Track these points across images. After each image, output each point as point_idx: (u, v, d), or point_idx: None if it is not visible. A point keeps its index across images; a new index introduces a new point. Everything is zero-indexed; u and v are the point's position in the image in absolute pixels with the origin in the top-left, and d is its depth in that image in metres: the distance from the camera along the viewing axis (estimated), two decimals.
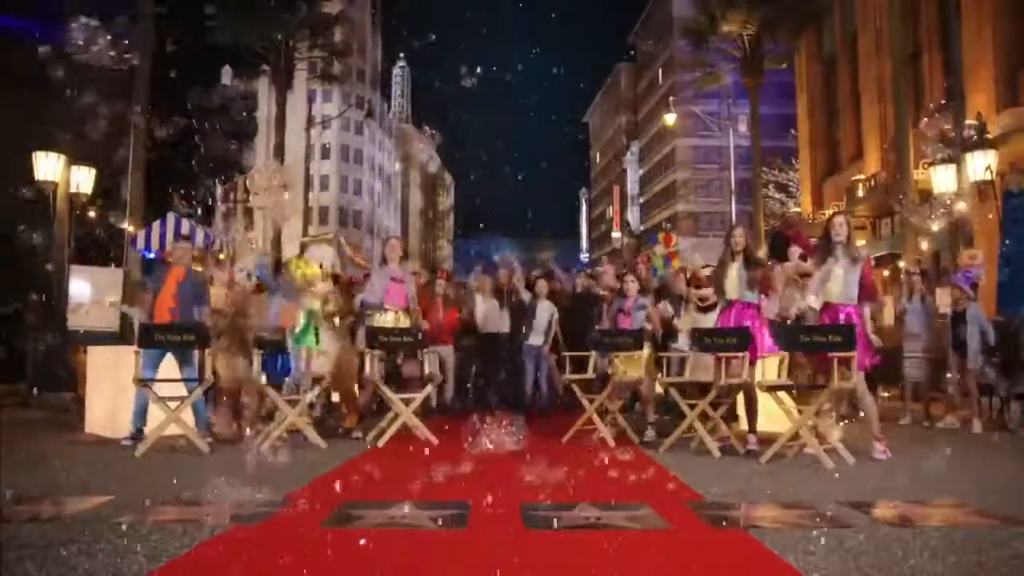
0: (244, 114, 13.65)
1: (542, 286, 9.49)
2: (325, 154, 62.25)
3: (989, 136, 12.44)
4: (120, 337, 12.74)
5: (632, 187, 72.13)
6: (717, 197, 54.41)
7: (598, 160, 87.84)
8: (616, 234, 74.31)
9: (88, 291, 14.72)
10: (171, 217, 10.40)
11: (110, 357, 7.52)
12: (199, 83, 19.64)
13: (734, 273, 6.28)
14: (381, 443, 6.49)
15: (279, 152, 26.52)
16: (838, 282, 5.89)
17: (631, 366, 6.77)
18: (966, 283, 8.18)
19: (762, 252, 11.69)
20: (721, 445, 6.18)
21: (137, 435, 6.38)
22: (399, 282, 7.28)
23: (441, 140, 79.01)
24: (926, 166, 16.27)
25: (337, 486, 4.74)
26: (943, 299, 12.95)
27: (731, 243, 6.36)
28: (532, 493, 4.37)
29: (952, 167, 12.71)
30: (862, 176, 21.25)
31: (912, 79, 18.45)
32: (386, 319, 7.10)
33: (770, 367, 6.16)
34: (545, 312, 9.37)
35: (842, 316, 5.81)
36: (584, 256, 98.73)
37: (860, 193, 20.72)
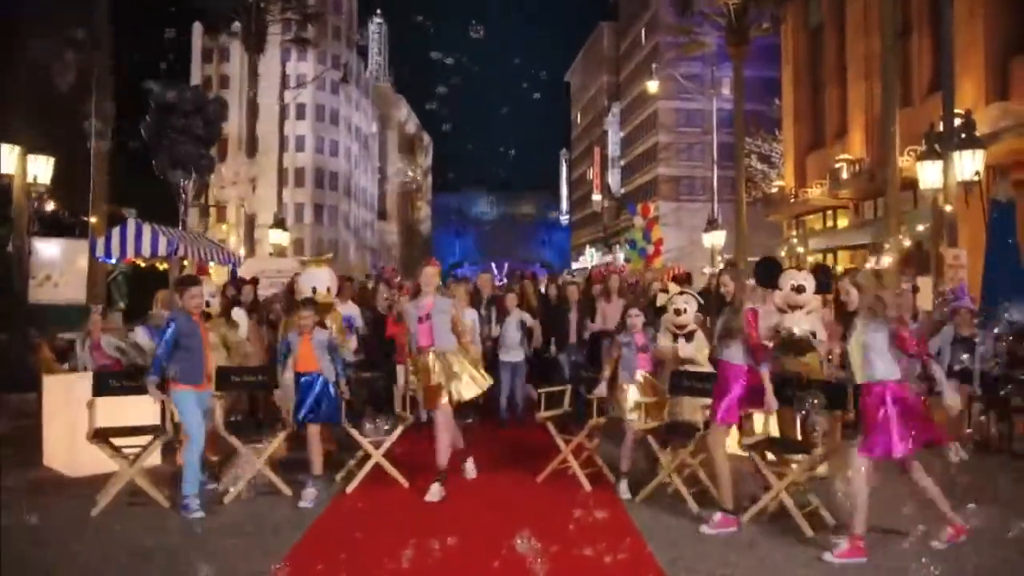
0: (214, 117, 13.05)
1: (511, 300, 9.24)
2: (300, 114, 61.00)
3: (977, 134, 12.16)
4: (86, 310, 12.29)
5: (613, 149, 71.48)
6: (699, 161, 54.08)
7: (579, 121, 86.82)
8: (596, 197, 73.91)
9: (57, 256, 14.27)
10: (132, 223, 9.92)
11: (65, 387, 7.16)
12: (169, 52, 18.83)
13: (718, 323, 5.84)
14: (350, 489, 6.24)
15: (251, 113, 25.81)
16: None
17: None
18: (972, 303, 7.97)
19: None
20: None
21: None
22: (427, 319, 6.36)
23: (420, 97, 77.64)
24: (911, 153, 16.03)
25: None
26: (925, 291, 12.89)
27: (718, 289, 5.93)
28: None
29: (939, 164, 12.44)
30: (847, 156, 21.00)
31: (900, 57, 18.07)
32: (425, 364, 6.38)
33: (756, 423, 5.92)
34: (514, 325, 9.15)
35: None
36: (564, 218, 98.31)
37: (844, 175, 20.48)
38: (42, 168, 12.68)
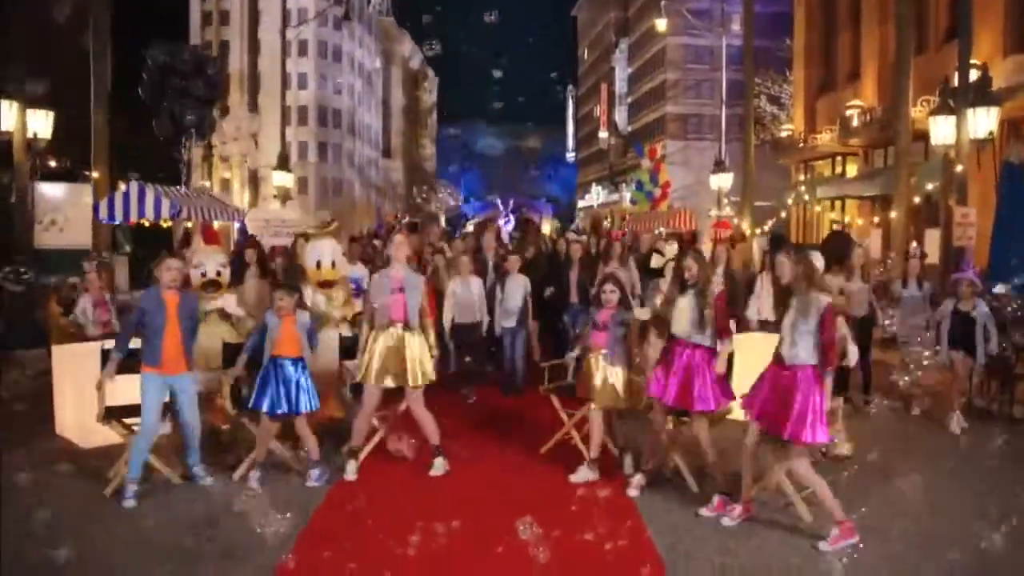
0: (215, 79, 12.76)
1: (513, 263, 9.13)
2: (302, 51, 59.86)
3: (993, 90, 11.89)
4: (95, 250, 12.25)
5: (620, 86, 70.17)
6: (707, 99, 53.08)
7: (586, 56, 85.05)
8: (603, 134, 72.88)
9: (61, 199, 14.19)
10: (134, 185, 9.86)
11: (74, 355, 7.21)
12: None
13: (685, 306, 5.62)
14: (350, 475, 6.13)
15: (253, 51, 25.33)
16: (684, 317, 5.59)
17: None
18: (975, 275, 7.93)
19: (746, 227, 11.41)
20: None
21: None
22: (399, 291, 6.06)
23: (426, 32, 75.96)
24: (924, 104, 15.72)
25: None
26: (933, 244, 12.77)
27: (682, 273, 5.67)
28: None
29: (952, 120, 12.20)
30: (858, 103, 20.59)
31: (917, 2, 17.52)
32: (398, 341, 6.06)
33: None
34: (518, 290, 9.02)
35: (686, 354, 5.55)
36: (570, 155, 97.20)
37: (855, 123, 20.12)
38: (42, 123, 12.53)
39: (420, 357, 6.08)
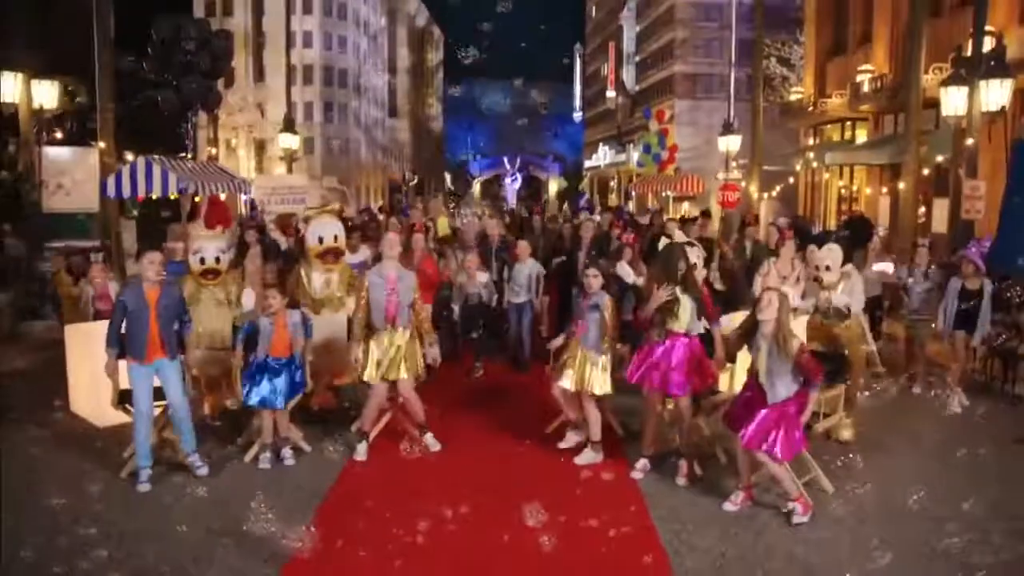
0: (220, 53, 12.59)
1: (523, 250, 9.20)
2: (307, 8, 59.01)
3: (1007, 59, 11.71)
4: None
5: (628, 45, 69.08)
6: (717, 58, 52.21)
7: (594, 14, 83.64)
8: (611, 94, 72.00)
9: (68, 161, 14.21)
10: (141, 161, 9.85)
11: (87, 336, 7.30)
12: None
13: (688, 305, 5.80)
14: (360, 455, 6.33)
15: (257, 9, 24.85)
16: (686, 312, 5.78)
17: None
18: (979, 257, 7.92)
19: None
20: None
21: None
22: (393, 293, 6.20)
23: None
24: (936, 71, 15.50)
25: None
26: (941, 214, 12.71)
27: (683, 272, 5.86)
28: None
29: (964, 90, 12.04)
30: (869, 68, 20.29)
31: None
32: (391, 339, 6.26)
33: None
34: (526, 270, 9.15)
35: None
36: (577, 115, 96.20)
37: (865, 88, 19.85)
38: (47, 93, 12.50)
39: (411, 352, 6.30)
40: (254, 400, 6.13)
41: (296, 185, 17.66)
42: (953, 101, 12.48)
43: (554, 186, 56.63)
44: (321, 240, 7.45)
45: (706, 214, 12.95)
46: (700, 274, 6.26)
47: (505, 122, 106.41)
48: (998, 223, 9.26)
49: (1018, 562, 4.63)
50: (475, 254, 8.98)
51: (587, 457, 6.22)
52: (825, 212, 22.93)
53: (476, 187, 55.81)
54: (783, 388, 5.12)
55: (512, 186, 66.46)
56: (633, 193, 35.52)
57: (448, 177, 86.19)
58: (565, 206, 27.84)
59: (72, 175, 13.63)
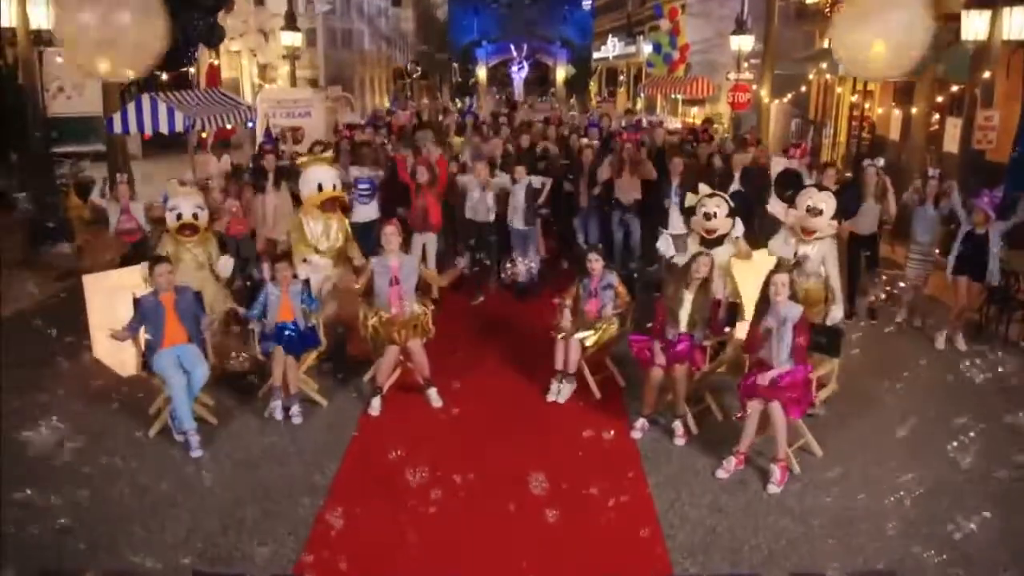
0: None
1: (519, 173, 9.37)
2: None
3: None
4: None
5: None
6: None
7: None
8: None
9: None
10: (146, 98, 9.74)
11: (107, 291, 7.43)
12: None
13: (689, 304, 6.07)
14: (374, 410, 6.64)
15: None
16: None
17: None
18: (991, 206, 7.97)
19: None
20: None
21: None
22: (396, 283, 6.61)
23: None
24: None
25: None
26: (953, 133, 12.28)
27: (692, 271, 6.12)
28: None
29: (987, 15, 11.63)
30: None
31: None
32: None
33: None
34: (521, 190, 9.37)
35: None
36: (587, 3, 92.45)
37: None
38: (43, 14, 12.15)
39: (417, 320, 6.69)
40: (268, 348, 6.48)
41: (300, 98, 17.45)
42: (975, 25, 12.08)
43: (561, 72, 55.70)
44: (320, 187, 7.42)
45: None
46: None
47: (512, 3, 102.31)
48: (1008, 163, 9.20)
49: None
50: (484, 163, 9.42)
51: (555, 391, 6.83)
52: (836, 122, 22.53)
53: (482, 72, 55.12)
54: (785, 353, 5.46)
55: (519, 75, 64.71)
56: (642, 94, 34.76)
57: (455, 68, 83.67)
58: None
59: (72, 79, 13.31)
